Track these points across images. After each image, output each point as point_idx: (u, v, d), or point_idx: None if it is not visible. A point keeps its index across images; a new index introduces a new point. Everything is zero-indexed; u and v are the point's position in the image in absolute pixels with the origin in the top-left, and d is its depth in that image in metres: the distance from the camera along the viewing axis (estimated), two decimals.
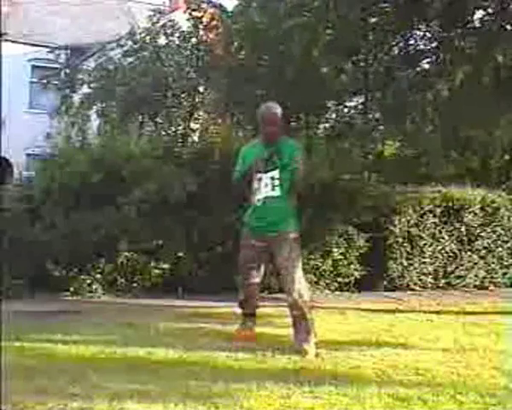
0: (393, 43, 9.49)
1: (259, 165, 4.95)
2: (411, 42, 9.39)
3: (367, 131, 11.23)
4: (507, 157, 12.55)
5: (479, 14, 8.28)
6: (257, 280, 5.17)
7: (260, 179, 4.97)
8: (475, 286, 9.41)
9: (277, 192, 4.95)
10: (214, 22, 12.81)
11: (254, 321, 5.34)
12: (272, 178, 4.94)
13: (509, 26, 7.86)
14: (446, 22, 8.27)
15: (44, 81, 15.91)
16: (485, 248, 9.59)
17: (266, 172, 4.94)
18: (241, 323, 5.33)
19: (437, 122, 8.97)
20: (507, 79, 7.40)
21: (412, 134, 10.12)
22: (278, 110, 5.05)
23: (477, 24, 8.26)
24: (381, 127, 11.48)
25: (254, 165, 4.96)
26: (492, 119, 8.72)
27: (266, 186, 4.96)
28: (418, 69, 9.39)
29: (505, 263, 9.73)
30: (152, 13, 14.14)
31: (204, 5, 13.44)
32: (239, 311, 5.40)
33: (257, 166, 4.96)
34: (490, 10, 8.17)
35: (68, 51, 18.06)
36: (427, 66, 9.37)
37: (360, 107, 11.94)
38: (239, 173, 5.13)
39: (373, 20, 9.06)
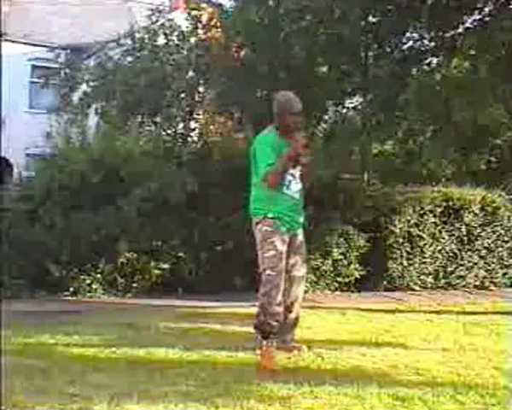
0: (393, 43, 9.50)
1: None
2: (410, 42, 9.43)
3: (366, 131, 11.22)
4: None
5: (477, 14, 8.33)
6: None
7: (292, 174, 4.59)
8: (475, 286, 9.41)
9: (300, 187, 4.66)
10: (213, 22, 12.80)
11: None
12: (299, 172, 4.63)
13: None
14: (444, 23, 8.31)
15: (44, 81, 15.89)
16: (485, 248, 9.59)
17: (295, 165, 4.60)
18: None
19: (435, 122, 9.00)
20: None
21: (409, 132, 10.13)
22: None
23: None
24: (380, 127, 11.47)
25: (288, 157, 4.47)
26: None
27: (296, 181, 4.61)
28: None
29: (505, 263, 9.73)
30: (151, 12, 14.11)
31: (203, 5, 13.43)
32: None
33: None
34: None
35: (68, 51, 18.02)
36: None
37: (360, 107, 11.93)
38: (277, 168, 4.46)
39: (373, 20, 9.08)
